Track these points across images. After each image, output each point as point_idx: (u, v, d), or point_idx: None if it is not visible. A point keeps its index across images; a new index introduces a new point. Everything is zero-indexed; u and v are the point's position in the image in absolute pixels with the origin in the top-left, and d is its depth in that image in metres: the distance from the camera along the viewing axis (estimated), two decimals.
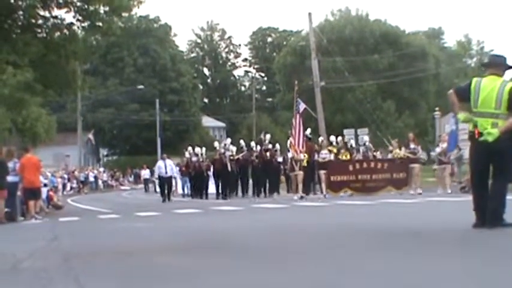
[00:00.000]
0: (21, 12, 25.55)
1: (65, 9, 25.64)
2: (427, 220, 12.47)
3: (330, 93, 55.21)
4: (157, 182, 36.15)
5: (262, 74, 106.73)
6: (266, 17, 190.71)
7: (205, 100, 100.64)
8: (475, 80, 9.49)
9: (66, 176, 54.99)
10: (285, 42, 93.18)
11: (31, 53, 24.76)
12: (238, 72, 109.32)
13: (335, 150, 27.35)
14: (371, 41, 69.08)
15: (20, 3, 25.13)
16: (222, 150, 30.85)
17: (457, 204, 16.22)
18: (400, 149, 26.55)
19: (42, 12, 25.70)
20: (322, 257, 7.64)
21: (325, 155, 26.84)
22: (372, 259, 7.21)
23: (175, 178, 33.97)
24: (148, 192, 50.12)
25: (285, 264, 7.22)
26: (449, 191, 24.25)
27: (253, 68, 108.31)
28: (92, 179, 59.49)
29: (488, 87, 9.27)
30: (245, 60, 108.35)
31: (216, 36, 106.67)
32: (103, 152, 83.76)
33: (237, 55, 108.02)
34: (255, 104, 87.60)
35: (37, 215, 21.42)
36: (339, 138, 29.45)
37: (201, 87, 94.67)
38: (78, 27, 26.14)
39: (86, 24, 25.93)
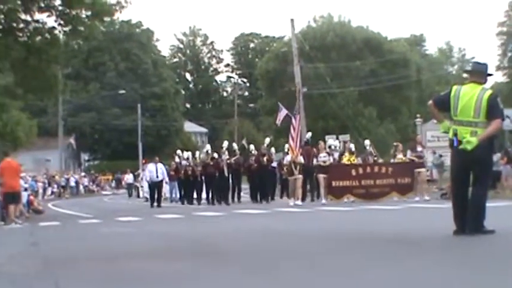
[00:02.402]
0: (2, 16, 25.29)
1: (47, 14, 25.47)
2: (408, 227, 12.46)
3: (312, 99, 55.25)
4: (146, 186, 35.41)
5: (245, 80, 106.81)
6: (248, 23, 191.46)
7: (187, 105, 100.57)
8: (454, 88, 9.48)
9: (46, 180, 54.71)
10: (267, 48, 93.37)
11: (12, 57, 24.64)
12: (220, 78, 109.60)
13: (336, 155, 25.92)
14: (353, 47, 69.20)
15: (1, 6, 24.92)
16: (216, 155, 29.82)
17: (438, 211, 16.26)
18: (404, 154, 25.30)
19: (23, 16, 25.51)
20: (304, 262, 7.63)
21: (324, 158, 25.54)
22: (352, 265, 7.23)
23: (166, 182, 33.20)
24: (131, 197, 49.75)
25: (263, 269, 7.21)
26: None
27: (236, 73, 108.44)
28: (73, 183, 59.22)
29: (467, 95, 9.26)
30: (227, 65, 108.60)
31: (198, 41, 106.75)
32: (84, 156, 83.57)
33: (219, 60, 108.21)
34: (237, 110, 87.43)
35: (17, 219, 21.30)
36: (337, 141, 28.57)
37: (183, 92, 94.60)
38: (59, 32, 25.96)
39: (67, 28, 25.74)
